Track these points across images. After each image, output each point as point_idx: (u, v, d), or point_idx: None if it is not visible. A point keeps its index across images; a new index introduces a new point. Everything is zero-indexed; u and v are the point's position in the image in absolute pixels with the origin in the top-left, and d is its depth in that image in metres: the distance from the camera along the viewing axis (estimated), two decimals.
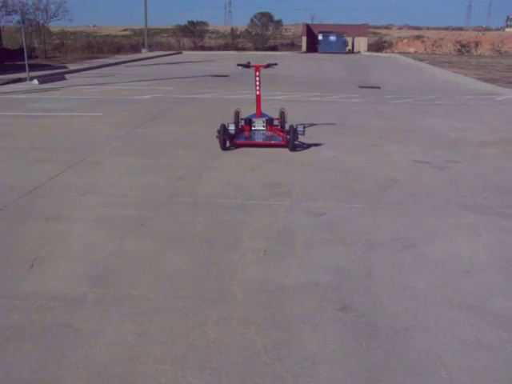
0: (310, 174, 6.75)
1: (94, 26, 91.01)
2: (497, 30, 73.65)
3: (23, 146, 8.19)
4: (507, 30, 60.99)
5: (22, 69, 20.29)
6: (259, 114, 8.66)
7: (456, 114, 11.97)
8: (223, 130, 7.93)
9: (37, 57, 27.49)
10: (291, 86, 17.65)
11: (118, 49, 42.45)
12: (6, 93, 14.96)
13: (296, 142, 8.03)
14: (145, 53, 39.36)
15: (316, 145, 8.36)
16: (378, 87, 17.60)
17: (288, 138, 7.92)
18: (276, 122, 8.99)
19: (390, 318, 3.45)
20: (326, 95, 15.01)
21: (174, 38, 50.02)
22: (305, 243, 4.62)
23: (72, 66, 23.59)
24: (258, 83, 8.58)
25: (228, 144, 8.15)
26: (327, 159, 7.51)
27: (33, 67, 21.60)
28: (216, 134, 8.00)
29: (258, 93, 8.61)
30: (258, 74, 8.54)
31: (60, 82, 18.06)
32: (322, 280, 3.95)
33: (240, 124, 8.80)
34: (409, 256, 4.38)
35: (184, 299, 3.67)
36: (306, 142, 8.42)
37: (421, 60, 31.64)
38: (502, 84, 17.50)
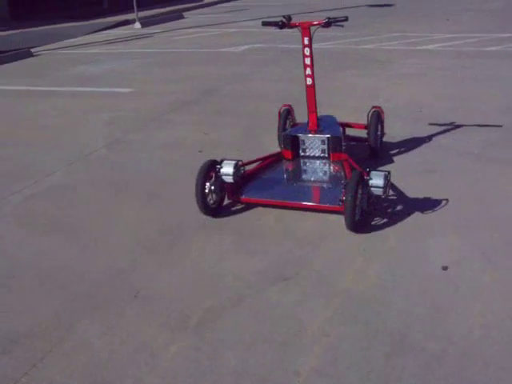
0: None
1: None
2: None
3: None
4: None
5: (154, 5, 17.51)
6: (314, 126, 4.16)
7: None
8: (203, 178, 3.62)
9: None
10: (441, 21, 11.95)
11: None
12: (85, 45, 11.90)
13: (372, 205, 3.49)
14: None
15: (422, 208, 3.64)
16: None
17: (345, 201, 3.34)
18: (354, 134, 4.47)
19: None
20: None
21: None
22: None
23: None
24: (308, 61, 4.03)
25: (227, 199, 3.87)
26: (434, 280, 2.87)
27: (161, 3, 18.67)
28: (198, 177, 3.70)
29: (309, 81, 4.07)
30: (306, 40, 3.97)
31: (168, 24, 14.69)
32: None
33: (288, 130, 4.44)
34: None
35: None
36: (401, 189, 3.80)
37: None
38: None
